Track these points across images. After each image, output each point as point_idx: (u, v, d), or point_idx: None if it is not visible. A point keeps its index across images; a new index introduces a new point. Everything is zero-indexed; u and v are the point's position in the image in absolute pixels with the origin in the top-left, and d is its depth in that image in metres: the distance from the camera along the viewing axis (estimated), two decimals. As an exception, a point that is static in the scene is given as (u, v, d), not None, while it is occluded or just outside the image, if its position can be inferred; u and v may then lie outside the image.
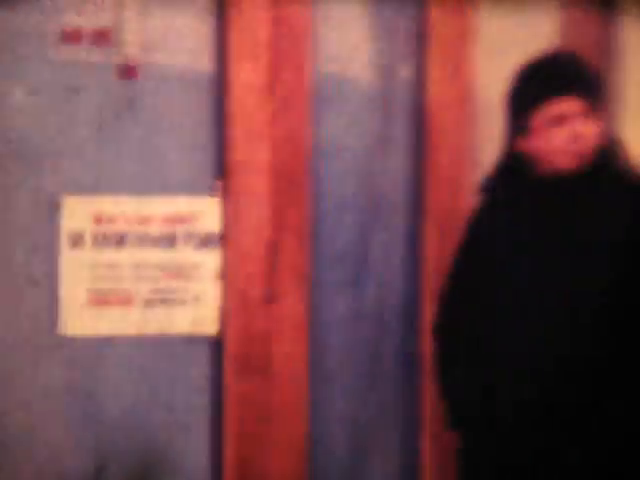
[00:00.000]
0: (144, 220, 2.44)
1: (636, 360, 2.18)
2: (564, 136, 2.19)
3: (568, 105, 2.18)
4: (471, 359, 2.31)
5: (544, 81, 2.24)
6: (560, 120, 2.19)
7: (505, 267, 2.28)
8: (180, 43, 2.44)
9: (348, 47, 2.56)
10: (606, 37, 2.80)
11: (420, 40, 2.56)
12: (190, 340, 2.48)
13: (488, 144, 2.52)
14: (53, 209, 2.39)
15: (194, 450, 2.46)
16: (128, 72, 2.41)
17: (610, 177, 2.26)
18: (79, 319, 2.42)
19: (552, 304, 2.21)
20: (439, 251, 2.55)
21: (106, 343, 2.42)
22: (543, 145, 2.21)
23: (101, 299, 2.42)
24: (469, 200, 2.42)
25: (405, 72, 2.59)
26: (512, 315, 2.25)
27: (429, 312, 2.53)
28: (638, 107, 2.88)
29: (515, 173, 2.30)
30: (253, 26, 2.44)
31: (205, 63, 2.47)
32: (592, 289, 2.20)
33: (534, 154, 2.21)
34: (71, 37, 2.38)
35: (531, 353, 2.20)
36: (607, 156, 2.25)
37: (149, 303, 2.46)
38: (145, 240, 2.45)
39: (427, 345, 2.52)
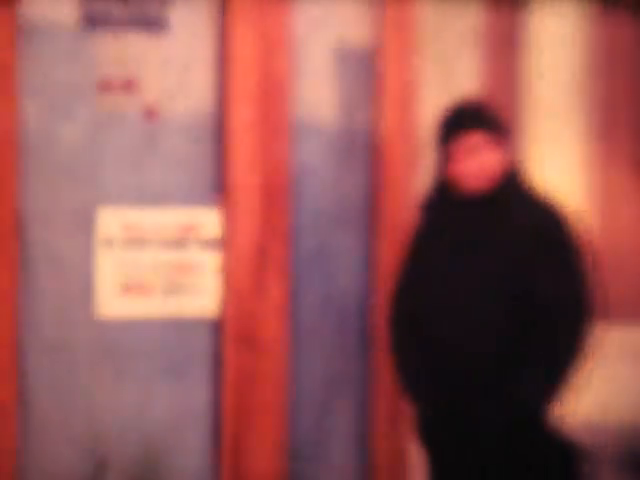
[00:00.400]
0: (161, 227, 3.13)
1: (520, 336, 2.83)
2: (473, 164, 2.81)
3: (475, 138, 2.79)
4: (411, 341, 2.97)
5: (457, 119, 2.85)
6: (469, 150, 2.81)
7: (431, 268, 2.89)
8: (190, 91, 3.14)
9: (319, 93, 3.26)
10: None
11: (375, 88, 3.26)
12: (196, 322, 3.16)
13: (428, 169, 3.22)
14: (89, 220, 3.07)
15: (199, 396, 3.16)
16: (150, 113, 3.10)
17: (512, 197, 2.86)
18: (111, 305, 3.09)
19: (462, 297, 2.80)
20: (389, 252, 3.23)
21: (132, 324, 3.10)
22: (458, 171, 2.87)
23: (127, 288, 3.10)
24: (413, 212, 3.11)
25: (363, 113, 3.29)
26: (435, 305, 2.85)
27: (381, 299, 3.21)
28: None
29: (442, 193, 2.90)
30: (247, 77, 3.13)
31: (209, 106, 3.15)
32: (489, 285, 2.79)
33: (454, 178, 2.88)
34: (105, 87, 3.07)
35: (450, 331, 2.81)
36: (511, 180, 2.91)
37: (165, 293, 3.14)
38: (162, 243, 3.13)
39: (378, 325, 3.21)
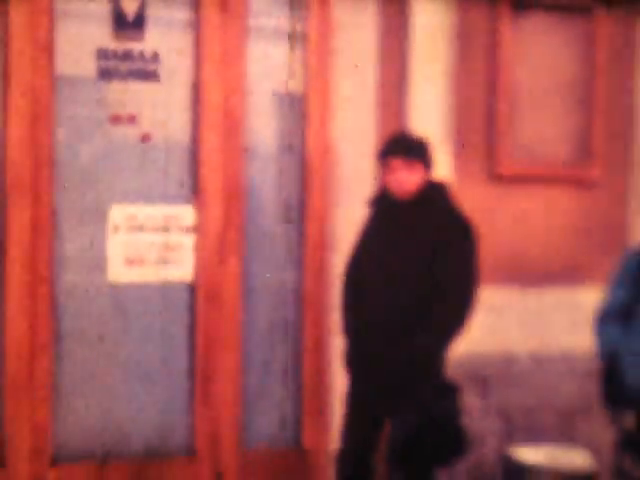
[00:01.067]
0: (154, 218, 4.40)
1: (425, 306, 3.80)
2: (393, 179, 3.86)
3: (394, 162, 3.85)
4: (351, 299, 4.00)
5: (386, 146, 3.90)
6: (391, 170, 3.86)
7: (368, 252, 3.98)
8: (173, 123, 4.42)
9: (264, 125, 4.56)
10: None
11: (302, 122, 4.57)
12: (177, 284, 4.44)
13: (346, 177, 4.51)
14: (103, 214, 4.33)
15: (179, 333, 4.43)
16: (145, 138, 4.38)
17: (427, 203, 3.88)
18: (118, 273, 4.36)
19: (385, 275, 3.89)
20: (314, 234, 4.53)
21: (133, 286, 4.38)
22: (386, 182, 3.88)
23: (130, 261, 4.38)
24: (335, 211, 4.41)
25: (294, 139, 4.57)
26: (369, 279, 3.93)
27: (309, 271, 4.52)
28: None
29: (383, 195, 3.96)
30: (213, 114, 4.42)
31: (186, 133, 4.44)
32: (408, 264, 3.83)
33: (387, 186, 3.92)
34: (115, 119, 4.35)
35: (376, 297, 3.89)
36: (429, 191, 3.89)
37: (155, 265, 4.42)
38: (154, 229, 4.41)
39: (307, 287, 4.52)
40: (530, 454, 4.61)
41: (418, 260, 3.88)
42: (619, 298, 3.85)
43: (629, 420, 3.88)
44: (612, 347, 3.85)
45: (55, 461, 4.28)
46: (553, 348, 4.83)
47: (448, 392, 4.02)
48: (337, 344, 4.32)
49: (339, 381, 4.31)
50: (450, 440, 4.03)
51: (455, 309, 3.92)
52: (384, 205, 4.01)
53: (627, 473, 3.93)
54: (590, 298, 4.49)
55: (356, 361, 4.03)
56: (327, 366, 4.53)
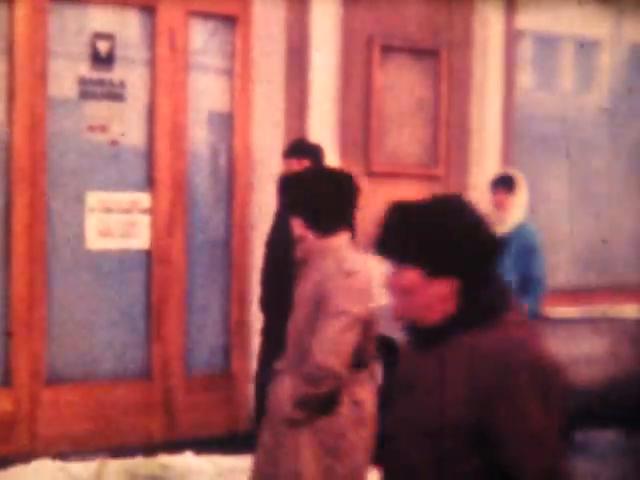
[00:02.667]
0: (120, 202, 5.92)
1: None
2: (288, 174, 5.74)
3: (290, 160, 5.68)
4: None
5: (286, 148, 5.46)
6: (288, 166, 5.71)
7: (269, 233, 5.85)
8: (134, 132, 5.94)
9: (201, 135, 6.12)
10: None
11: (230, 133, 6.14)
12: (138, 252, 5.96)
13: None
14: (82, 199, 5.82)
15: (138, 290, 5.95)
16: (114, 143, 5.89)
17: None
18: (93, 242, 5.86)
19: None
20: (239, 213, 6.13)
21: (105, 253, 5.88)
22: None
23: (102, 234, 5.88)
24: (253, 199, 6.02)
25: (224, 145, 6.17)
26: (266, 255, 5.83)
27: (235, 249, 6.11)
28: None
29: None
30: (163, 126, 5.96)
31: (144, 140, 5.96)
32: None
33: None
34: (91, 129, 5.85)
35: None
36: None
37: (121, 236, 5.92)
38: (120, 210, 5.92)
39: (234, 251, 6.10)
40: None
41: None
42: None
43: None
44: None
45: (48, 382, 5.75)
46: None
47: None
48: (256, 292, 5.90)
49: (257, 321, 5.89)
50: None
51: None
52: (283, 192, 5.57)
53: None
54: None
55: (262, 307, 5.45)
56: (248, 310, 6.13)
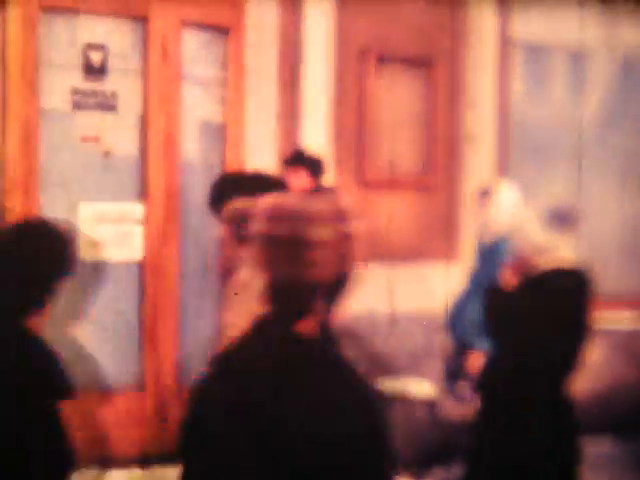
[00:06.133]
0: (113, 213, 5.90)
1: None
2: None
3: (287, 170, 5.69)
4: None
5: (284, 158, 5.79)
6: (285, 176, 5.74)
7: None
8: (127, 143, 5.93)
9: (194, 145, 6.11)
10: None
11: (222, 142, 6.14)
12: (131, 263, 5.94)
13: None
14: (75, 209, 5.80)
15: (132, 298, 5.93)
16: (107, 154, 5.88)
17: None
18: (87, 251, 5.84)
19: None
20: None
21: (98, 263, 5.86)
22: None
23: (95, 244, 5.86)
24: None
25: (216, 156, 6.16)
26: None
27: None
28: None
29: None
30: (156, 136, 5.95)
31: (137, 150, 5.94)
32: None
33: None
34: (84, 139, 5.83)
35: None
36: (315, 193, 5.76)
37: (116, 247, 5.91)
38: (113, 220, 5.90)
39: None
40: (389, 386, 6.24)
41: None
42: None
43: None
44: None
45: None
46: (404, 307, 6.53)
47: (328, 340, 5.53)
48: (250, 304, 5.89)
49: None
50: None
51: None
52: None
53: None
54: (431, 271, 6.20)
55: None
56: (242, 321, 6.10)
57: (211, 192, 4.07)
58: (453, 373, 5.57)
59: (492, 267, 5.26)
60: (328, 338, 5.16)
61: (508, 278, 4.25)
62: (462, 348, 5.49)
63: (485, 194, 5.65)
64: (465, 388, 5.50)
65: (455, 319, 5.65)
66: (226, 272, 3.48)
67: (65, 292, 5.79)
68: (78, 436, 5.67)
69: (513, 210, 5.39)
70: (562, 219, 5.63)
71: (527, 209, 5.30)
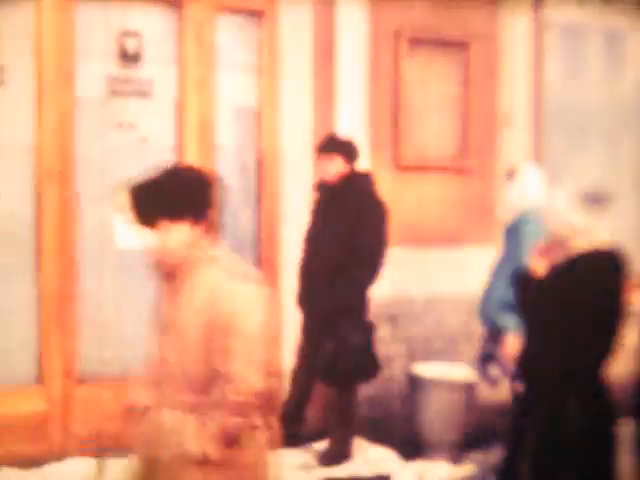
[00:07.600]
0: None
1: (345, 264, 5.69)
2: (320, 170, 5.41)
3: (321, 156, 5.41)
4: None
5: (317, 144, 5.50)
6: (319, 163, 5.42)
7: (312, 223, 5.51)
8: (163, 129, 5.92)
9: (228, 130, 6.09)
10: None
11: (257, 129, 6.11)
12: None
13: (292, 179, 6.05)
14: (111, 196, 5.81)
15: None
16: (143, 140, 5.88)
17: (348, 188, 5.32)
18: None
19: (319, 239, 5.57)
20: (270, 216, 6.11)
21: (135, 251, 5.88)
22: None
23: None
24: (282, 193, 5.98)
25: (251, 141, 6.14)
26: (309, 244, 5.52)
27: (264, 243, 6.08)
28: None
29: (321, 182, 5.45)
30: (192, 123, 5.93)
31: (173, 136, 5.92)
32: (332, 236, 5.39)
33: None
34: (119, 126, 5.84)
35: (311, 255, 5.53)
36: (352, 178, 5.35)
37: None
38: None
39: (263, 249, 6.08)
40: (427, 370, 6.21)
41: (341, 229, 5.25)
42: None
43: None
44: None
45: (80, 380, 5.75)
46: (441, 292, 6.50)
47: (365, 328, 5.33)
48: (286, 287, 5.87)
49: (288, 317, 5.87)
50: (365, 363, 5.32)
51: (368, 265, 5.26)
52: (320, 189, 5.51)
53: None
54: (467, 255, 6.17)
55: (302, 303, 5.55)
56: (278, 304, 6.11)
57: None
58: (485, 357, 5.52)
59: (515, 247, 5.24)
60: (364, 324, 5.21)
61: (537, 264, 4.18)
62: (493, 332, 5.43)
63: (510, 175, 5.59)
64: (497, 371, 5.44)
65: (484, 303, 5.59)
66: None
67: (104, 279, 5.87)
68: (118, 422, 5.70)
69: (535, 190, 5.35)
70: (595, 201, 5.61)
71: (561, 191, 5.27)
